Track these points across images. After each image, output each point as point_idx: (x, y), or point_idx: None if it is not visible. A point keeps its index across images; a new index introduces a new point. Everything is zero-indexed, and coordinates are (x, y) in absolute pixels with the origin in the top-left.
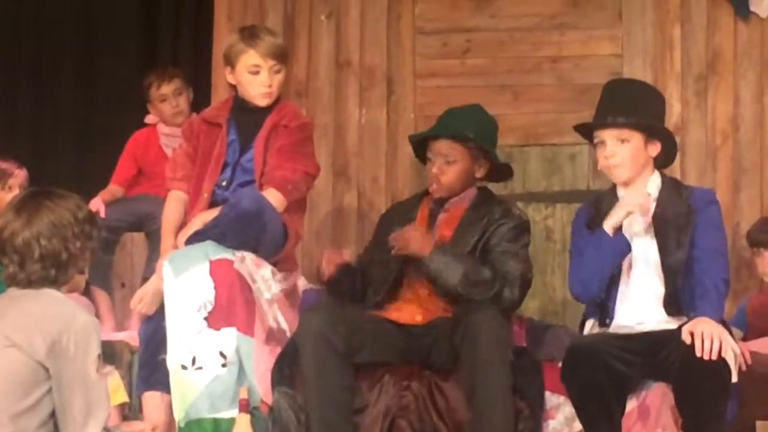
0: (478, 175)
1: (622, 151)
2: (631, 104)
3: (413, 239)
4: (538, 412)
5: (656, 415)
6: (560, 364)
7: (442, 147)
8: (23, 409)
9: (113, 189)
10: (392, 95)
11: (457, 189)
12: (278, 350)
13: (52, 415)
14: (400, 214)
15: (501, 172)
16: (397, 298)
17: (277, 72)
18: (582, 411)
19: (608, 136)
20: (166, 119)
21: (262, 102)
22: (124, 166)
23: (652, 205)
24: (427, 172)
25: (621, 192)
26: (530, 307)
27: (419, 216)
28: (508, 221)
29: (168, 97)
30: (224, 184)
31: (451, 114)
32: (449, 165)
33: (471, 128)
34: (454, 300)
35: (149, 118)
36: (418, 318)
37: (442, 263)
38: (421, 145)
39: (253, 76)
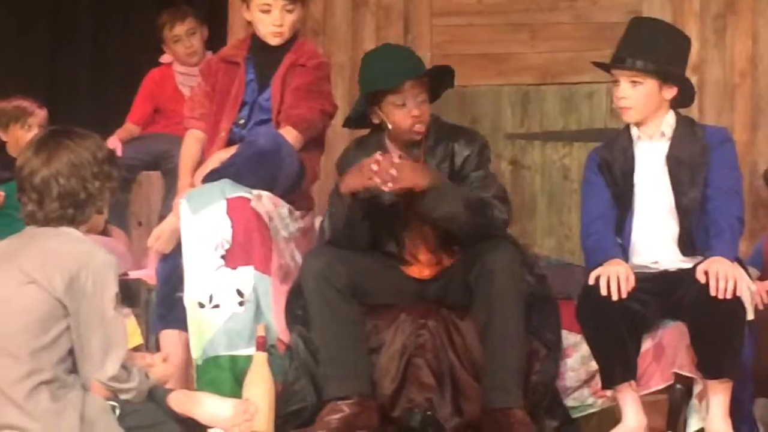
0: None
1: (634, 94)
2: (651, 47)
3: (403, 172)
4: (555, 352)
5: (672, 354)
6: (576, 303)
7: (417, 88)
8: (42, 345)
9: (129, 128)
10: (409, 34)
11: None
12: None
13: (71, 352)
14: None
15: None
16: (400, 258)
17: (289, 11)
18: (597, 350)
19: (623, 76)
20: (181, 59)
21: (273, 41)
22: (140, 105)
23: (666, 145)
24: (403, 119)
25: (635, 131)
26: (546, 246)
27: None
28: (470, 151)
29: (181, 38)
30: (242, 122)
31: (411, 56)
32: (423, 103)
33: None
34: (460, 240)
35: (164, 58)
36: (425, 273)
37: (438, 194)
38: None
39: (264, 15)
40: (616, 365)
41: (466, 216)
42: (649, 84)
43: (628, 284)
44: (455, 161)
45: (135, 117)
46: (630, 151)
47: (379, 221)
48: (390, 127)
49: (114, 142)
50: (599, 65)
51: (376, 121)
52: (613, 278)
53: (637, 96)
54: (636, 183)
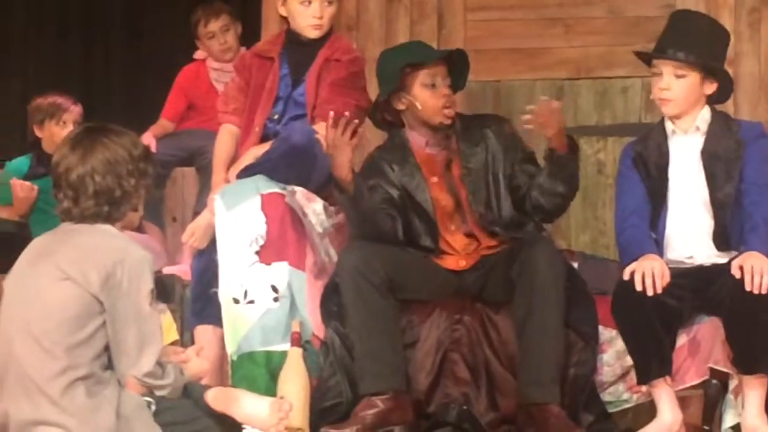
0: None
1: (677, 86)
2: (694, 40)
3: (557, 119)
4: (592, 345)
5: (707, 350)
6: (611, 299)
7: (443, 74)
8: (78, 341)
9: (164, 124)
10: (443, 29)
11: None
12: None
13: (106, 348)
14: (395, 161)
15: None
16: (435, 250)
17: (329, 3)
18: (632, 345)
19: (666, 68)
20: (215, 55)
21: (312, 34)
22: (174, 101)
23: (701, 140)
24: (436, 104)
25: (669, 125)
26: (581, 241)
27: (420, 159)
28: (505, 130)
29: (216, 34)
30: (276, 117)
31: (419, 44)
32: (449, 88)
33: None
34: (502, 234)
35: (198, 54)
36: (462, 263)
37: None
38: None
39: (304, 7)
40: (652, 360)
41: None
42: (692, 77)
43: (663, 280)
44: (489, 146)
45: (169, 113)
46: (665, 146)
47: (412, 213)
48: (419, 107)
49: (148, 139)
50: (641, 55)
51: (401, 107)
52: (648, 274)
53: (680, 89)
54: (670, 177)
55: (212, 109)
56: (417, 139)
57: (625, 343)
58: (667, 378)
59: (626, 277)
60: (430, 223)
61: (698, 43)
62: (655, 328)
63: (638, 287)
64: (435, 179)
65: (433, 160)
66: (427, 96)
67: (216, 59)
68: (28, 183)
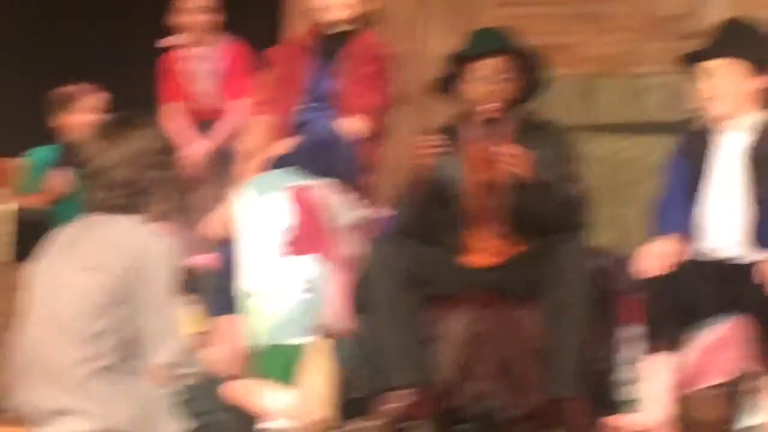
0: (517, 94)
1: (721, 84)
2: (742, 38)
3: (519, 159)
4: (613, 341)
5: (736, 347)
6: (635, 295)
7: (494, 64)
8: (101, 331)
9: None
10: (473, 24)
11: (504, 108)
12: None
13: (129, 339)
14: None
15: (536, 86)
16: (464, 247)
17: None
18: (653, 333)
19: (711, 68)
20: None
21: (337, 14)
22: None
23: (748, 138)
24: (474, 97)
25: (717, 124)
26: (605, 239)
27: (469, 152)
28: (558, 144)
29: (193, 10)
30: (306, 108)
31: (483, 34)
32: (503, 82)
33: (508, 42)
34: (533, 233)
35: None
36: (487, 262)
37: (537, 191)
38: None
39: None
40: (664, 328)
41: (553, 214)
42: (738, 74)
43: (667, 260)
44: (542, 151)
45: (173, 97)
46: (711, 141)
47: (440, 212)
48: (465, 97)
49: (203, 146)
50: (688, 56)
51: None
52: (652, 255)
53: (724, 86)
54: (714, 171)
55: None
56: (468, 130)
57: (647, 313)
58: (672, 360)
59: (643, 263)
60: (459, 220)
61: (746, 41)
62: (677, 319)
63: (641, 270)
64: (477, 175)
65: (479, 155)
66: (471, 87)
67: (188, 39)
68: (62, 176)
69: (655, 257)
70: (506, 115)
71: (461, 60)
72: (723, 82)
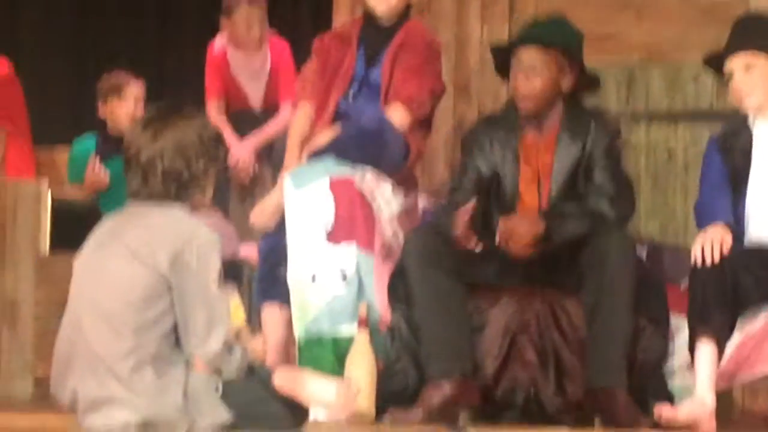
0: (565, 87)
1: (750, 78)
2: (756, 33)
3: (524, 229)
4: (662, 330)
5: None
6: (682, 284)
7: (530, 56)
8: (145, 321)
9: (220, 106)
10: (514, 12)
11: (546, 102)
12: None
13: (174, 328)
14: (498, 139)
15: (587, 83)
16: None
17: None
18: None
19: (736, 65)
20: (242, 41)
21: (381, 7)
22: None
23: None
24: (512, 88)
25: (752, 120)
26: (651, 228)
27: (523, 144)
28: (604, 136)
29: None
30: (350, 97)
31: (534, 24)
32: (537, 75)
33: (558, 36)
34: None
35: (219, 42)
36: (529, 251)
37: (560, 227)
38: (503, 59)
39: None
40: (714, 313)
41: (585, 229)
42: (763, 65)
43: (722, 246)
44: (587, 144)
45: (217, 94)
46: (748, 131)
47: (494, 200)
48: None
49: (248, 151)
50: (710, 60)
51: None
52: (707, 244)
53: (755, 78)
54: (753, 161)
55: (235, 101)
56: (524, 121)
57: (690, 305)
58: (715, 349)
59: (696, 251)
60: (507, 208)
61: (762, 35)
62: (725, 292)
63: (698, 260)
64: (527, 168)
65: (531, 147)
66: (513, 78)
67: (239, 46)
68: (101, 169)
69: (711, 244)
70: (551, 107)
71: (507, 49)
72: (755, 76)
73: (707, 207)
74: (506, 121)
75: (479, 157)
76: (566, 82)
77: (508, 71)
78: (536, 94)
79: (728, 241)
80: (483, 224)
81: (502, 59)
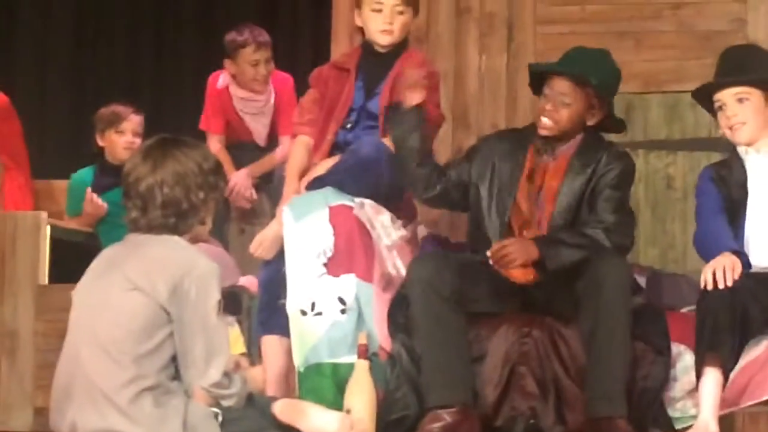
0: (590, 122)
1: (743, 110)
2: (748, 65)
3: (517, 252)
4: (663, 358)
5: None
6: (682, 311)
7: (562, 86)
8: (145, 351)
9: (221, 139)
10: (512, 42)
11: (567, 132)
12: None
13: (174, 358)
14: (508, 152)
15: (613, 123)
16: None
17: (400, 13)
18: (705, 325)
19: (727, 97)
20: (246, 82)
21: (382, 40)
22: (216, 116)
23: None
24: (538, 108)
25: (742, 148)
26: (650, 255)
27: (527, 160)
28: (614, 167)
29: (260, 63)
30: (349, 127)
31: (578, 53)
32: (565, 106)
33: (596, 74)
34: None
35: (224, 78)
36: (530, 277)
37: (554, 254)
38: (538, 79)
39: (375, 14)
40: (723, 338)
41: (581, 257)
42: (755, 97)
43: (734, 273)
44: (597, 172)
45: (218, 129)
46: (741, 163)
47: (490, 213)
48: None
49: (245, 179)
50: (701, 90)
51: None
52: (719, 269)
53: (746, 111)
54: (749, 191)
55: (238, 134)
56: (539, 142)
57: (697, 331)
58: (722, 378)
59: (706, 275)
60: (503, 229)
61: (752, 67)
62: (734, 318)
63: (709, 285)
64: (529, 187)
65: (540, 167)
66: (543, 101)
67: (244, 86)
68: (99, 200)
69: (723, 270)
70: (570, 137)
71: (543, 73)
72: (747, 108)
73: (711, 236)
74: (520, 137)
75: (473, 164)
76: (592, 119)
77: (541, 87)
78: (561, 125)
79: (738, 268)
80: (478, 237)
81: (537, 78)
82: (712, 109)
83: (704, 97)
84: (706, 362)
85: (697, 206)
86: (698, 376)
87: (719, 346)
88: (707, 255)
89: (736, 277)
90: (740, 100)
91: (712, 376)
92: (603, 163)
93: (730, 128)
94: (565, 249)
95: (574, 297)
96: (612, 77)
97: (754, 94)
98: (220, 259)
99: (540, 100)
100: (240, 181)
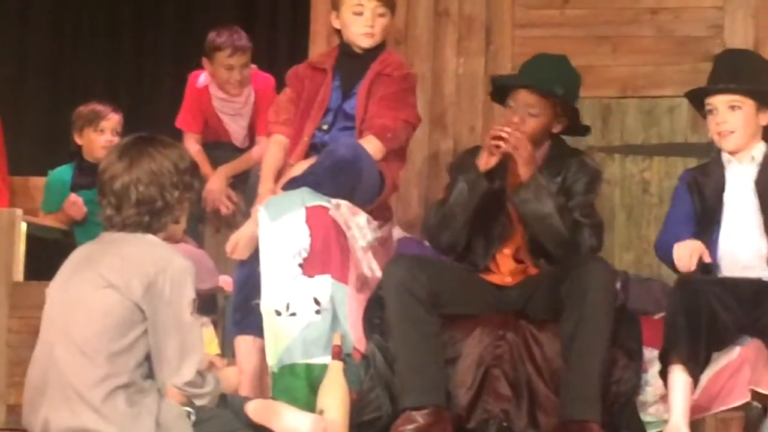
0: (555, 130)
1: (733, 118)
2: (744, 72)
3: (517, 142)
4: (636, 363)
5: (750, 371)
6: (655, 317)
7: (528, 98)
8: (119, 349)
9: (197, 138)
10: (490, 45)
11: (536, 142)
12: None
13: (148, 357)
14: (472, 165)
15: (577, 128)
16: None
17: (381, 15)
18: (672, 325)
19: (720, 103)
20: (221, 85)
21: (364, 42)
22: (194, 115)
23: (756, 170)
24: (504, 121)
25: (725, 156)
26: (625, 260)
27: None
28: (583, 175)
29: (235, 67)
30: (325, 127)
31: (539, 63)
32: (532, 117)
33: (560, 84)
34: (547, 254)
35: (204, 78)
36: (508, 280)
37: (534, 189)
38: (500, 89)
39: (356, 17)
40: (684, 342)
41: (555, 223)
42: (748, 106)
43: (701, 253)
44: (567, 180)
45: (195, 128)
46: (721, 173)
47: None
48: None
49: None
50: (695, 92)
51: None
52: (686, 250)
53: (737, 120)
54: (725, 203)
55: (216, 133)
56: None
57: (666, 328)
58: (690, 380)
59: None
60: (490, 239)
61: (748, 74)
62: (699, 320)
63: (679, 266)
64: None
65: (511, 178)
66: (508, 113)
67: (220, 88)
68: (80, 202)
69: (689, 252)
70: (538, 146)
71: (508, 86)
72: (738, 116)
73: (673, 241)
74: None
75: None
76: (558, 126)
77: (504, 98)
78: (530, 136)
79: (706, 253)
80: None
81: (500, 89)
82: (702, 111)
83: (696, 98)
84: (669, 360)
85: (668, 211)
86: (664, 376)
87: (681, 342)
88: (669, 259)
89: (706, 260)
90: (732, 108)
91: (679, 378)
92: (572, 171)
93: (719, 134)
94: (547, 198)
95: (556, 300)
96: (575, 84)
97: (746, 103)
98: (200, 261)
99: (505, 111)
100: (214, 182)
